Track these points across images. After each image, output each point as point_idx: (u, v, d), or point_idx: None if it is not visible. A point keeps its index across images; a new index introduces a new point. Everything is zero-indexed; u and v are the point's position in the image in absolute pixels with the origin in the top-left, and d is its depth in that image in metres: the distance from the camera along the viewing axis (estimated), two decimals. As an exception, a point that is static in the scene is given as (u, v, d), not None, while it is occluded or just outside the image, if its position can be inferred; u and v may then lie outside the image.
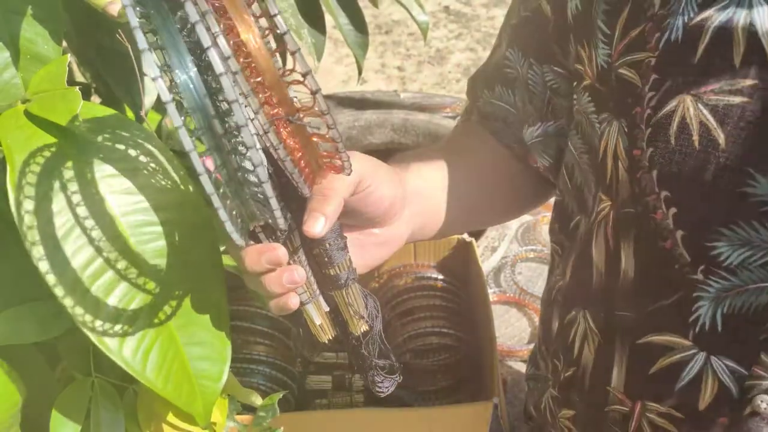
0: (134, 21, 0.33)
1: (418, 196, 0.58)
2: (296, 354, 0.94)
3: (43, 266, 0.40)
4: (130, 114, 0.63)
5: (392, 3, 0.87)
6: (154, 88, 0.57)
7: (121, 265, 0.42)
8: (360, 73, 0.95)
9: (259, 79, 0.37)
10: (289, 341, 0.95)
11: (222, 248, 0.50)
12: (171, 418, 0.50)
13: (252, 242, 0.44)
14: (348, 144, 1.49)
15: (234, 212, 0.39)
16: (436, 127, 1.47)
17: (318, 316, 0.50)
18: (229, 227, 0.37)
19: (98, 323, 0.41)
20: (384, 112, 1.51)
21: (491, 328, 0.87)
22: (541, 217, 1.33)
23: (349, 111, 1.53)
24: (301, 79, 0.38)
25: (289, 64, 0.38)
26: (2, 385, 0.47)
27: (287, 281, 0.45)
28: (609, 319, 0.55)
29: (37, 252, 0.40)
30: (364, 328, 0.51)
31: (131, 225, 0.43)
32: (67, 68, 0.59)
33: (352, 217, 0.51)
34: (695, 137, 0.47)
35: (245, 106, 0.36)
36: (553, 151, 0.63)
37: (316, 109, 0.39)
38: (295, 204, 0.45)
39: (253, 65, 0.37)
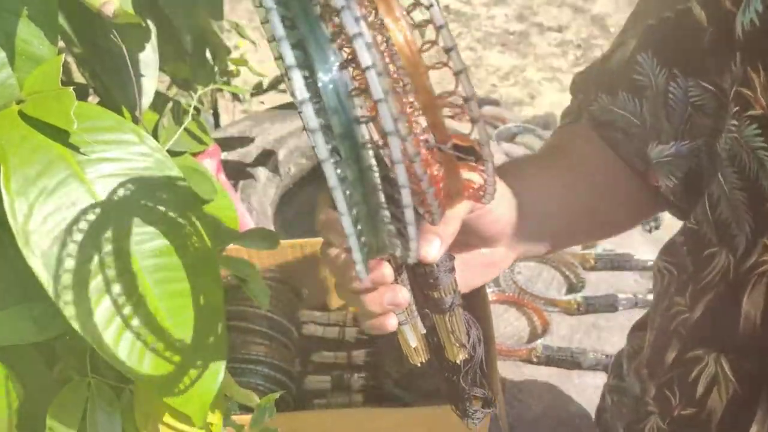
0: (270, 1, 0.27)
1: (530, 215, 0.52)
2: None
3: (38, 267, 0.40)
4: (127, 115, 0.62)
5: (390, 2, 0.86)
6: (150, 88, 0.57)
7: (117, 265, 0.42)
8: (358, 72, 0.94)
9: (411, 98, 0.33)
10: (288, 341, 0.95)
11: (219, 248, 0.50)
12: (168, 418, 0.50)
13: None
14: (347, 144, 1.48)
15: (365, 249, 0.35)
16: (436, 127, 1.47)
17: (414, 339, 0.46)
18: (360, 268, 0.33)
19: (93, 324, 0.41)
20: (383, 112, 1.50)
21: (490, 327, 0.87)
22: (541, 217, 1.33)
23: (349, 111, 1.52)
24: (461, 102, 0.32)
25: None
26: (0, 386, 0.47)
27: (389, 302, 0.42)
28: (757, 372, 0.50)
29: (32, 252, 0.40)
30: (463, 356, 0.47)
31: (126, 226, 0.43)
32: (68, 68, 0.59)
33: (462, 236, 0.46)
34: None
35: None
36: (681, 173, 0.56)
37: (474, 137, 0.34)
38: None
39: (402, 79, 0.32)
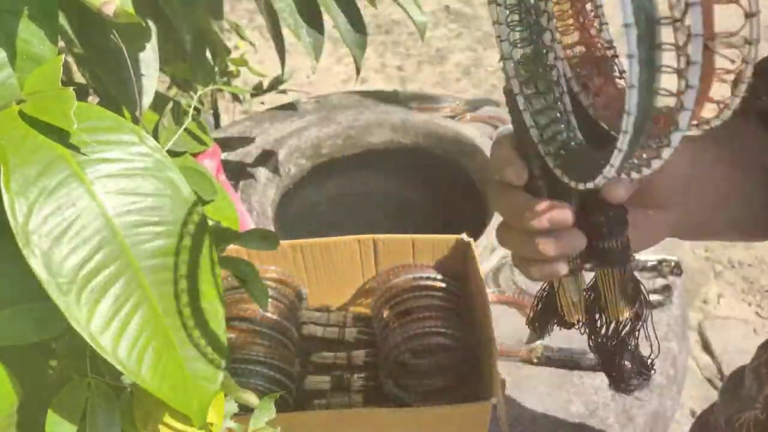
0: None
1: (697, 187, 0.50)
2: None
3: (38, 267, 0.40)
4: (128, 115, 0.63)
5: (392, 3, 0.87)
6: (150, 88, 0.57)
7: (116, 265, 0.42)
8: (358, 72, 0.95)
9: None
10: (288, 341, 0.95)
11: (218, 248, 0.50)
12: (167, 418, 0.50)
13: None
14: (347, 144, 1.49)
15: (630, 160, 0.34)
16: (436, 127, 1.47)
17: (576, 293, 0.45)
18: (611, 172, 0.33)
19: (93, 324, 0.41)
20: (383, 112, 1.51)
21: (490, 328, 0.87)
22: (541, 217, 1.33)
23: (348, 111, 1.53)
24: None
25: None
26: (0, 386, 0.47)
27: (567, 245, 0.40)
28: None
29: (32, 252, 0.40)
30: (629, 314, 0.45)
31: (126, 226, 0.43)
32: (68, 68, 0.59)
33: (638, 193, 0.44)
34: None
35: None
36: None
37: (743, 34, 0.32)
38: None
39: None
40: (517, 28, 0.38)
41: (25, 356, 0.50)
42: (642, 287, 0.45)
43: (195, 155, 0.76)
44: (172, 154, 0.70)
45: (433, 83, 2.37)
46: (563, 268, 0.42)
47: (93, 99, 0.73)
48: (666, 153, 0.33)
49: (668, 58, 0.31)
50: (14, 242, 0.40)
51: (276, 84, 1.57)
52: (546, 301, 0.48)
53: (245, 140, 1.46)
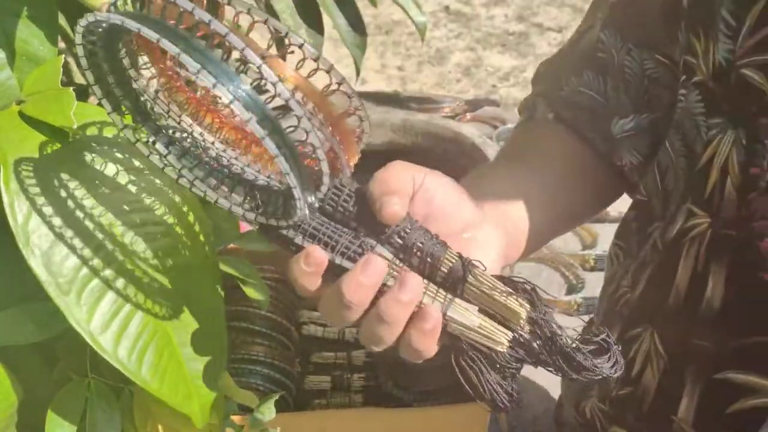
0: (173, 48, 0.34)
1: (505, 219, 0.50)
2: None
3: (38, 267, 0.40)
4: (128, 115, 0.63)
5: (392, 3, 0.87)
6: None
7: (117, 265, 0.42)
8: (358, 73, 0.95)
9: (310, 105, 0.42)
10: (288, 341, 0.95)
11: (219, 248, 0.50)
12: (167, 418, 0.50)
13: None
14: (347, 144, 1.49)
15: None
16: (436, 128, 1.47)
17: (468, 317, 0.40)
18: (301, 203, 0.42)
19: (93, 324, 0.41)
20: (383, 113, 1.51)
21: (490, 328, 0.86)
22: (541, 217, 1.33)
23: (349, 111, 1.53)
24: (336, 87, 0.42)
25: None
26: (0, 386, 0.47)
27: (414, 294, 0.39)
28: (683, 345, 0.50)
29: (31, 252, 0.40)
30: (527, 308, 0.40)
31: (126, 226, 0.43)
32: (68, 68, 0.59)
33: (434, 226, 0.43)
34: None
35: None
36: (644, 148, 0.57)
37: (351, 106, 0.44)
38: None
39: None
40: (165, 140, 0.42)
41: (25, 356, 0.50)
42: (516, 281, 0.41)
43: (195, 155, 0.75)
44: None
45: (433, 83, 2.38)
46: (436, 310, 0.39)
47: (92, 99, 0.73)
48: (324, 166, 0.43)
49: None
50: (14, 242, 0.40)
51: (276, 84, 1.58)
52: (470, 361, 0.42)
53: (245, 140, 1.46)
